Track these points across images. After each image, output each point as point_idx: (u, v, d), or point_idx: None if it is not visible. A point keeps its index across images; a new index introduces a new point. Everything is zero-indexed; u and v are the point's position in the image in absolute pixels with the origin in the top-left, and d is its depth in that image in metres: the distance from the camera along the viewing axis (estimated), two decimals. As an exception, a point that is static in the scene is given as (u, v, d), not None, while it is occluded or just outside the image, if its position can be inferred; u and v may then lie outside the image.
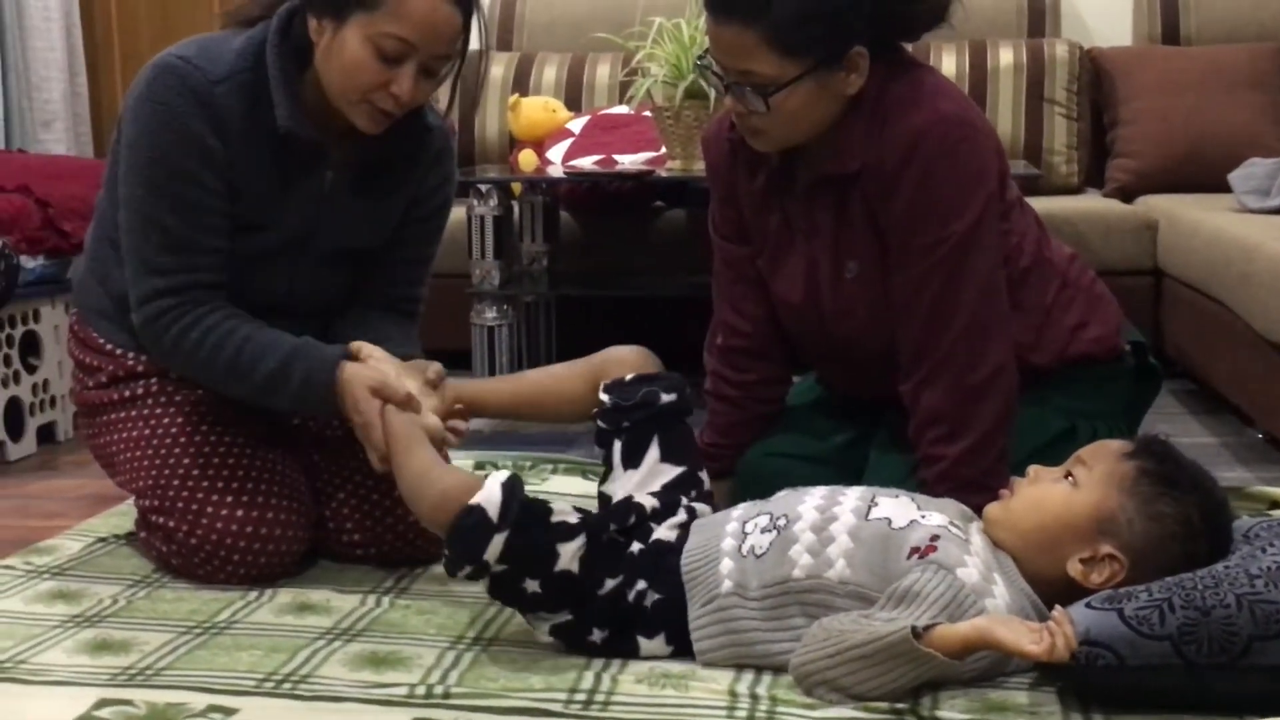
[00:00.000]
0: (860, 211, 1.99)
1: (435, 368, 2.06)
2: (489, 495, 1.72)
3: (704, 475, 1.93)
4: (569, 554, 1.72)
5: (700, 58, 2.03)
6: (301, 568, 2.14)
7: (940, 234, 1.93)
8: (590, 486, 2.31)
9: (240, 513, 2.07)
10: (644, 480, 1.89)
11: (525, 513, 1.72)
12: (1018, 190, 2.10)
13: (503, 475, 1.76)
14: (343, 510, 2.19)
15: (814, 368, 2.27)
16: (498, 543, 1.70)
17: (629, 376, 1.94)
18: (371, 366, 2.02)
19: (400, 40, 1.95)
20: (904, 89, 1.94)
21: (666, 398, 1.92)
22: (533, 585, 1.73)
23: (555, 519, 1.74)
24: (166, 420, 2.16)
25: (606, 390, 1.94)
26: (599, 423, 1.94)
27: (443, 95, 2.15)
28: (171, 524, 2.09)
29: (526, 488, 1.78)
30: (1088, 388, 2.08)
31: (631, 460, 1.91)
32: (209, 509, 2.07)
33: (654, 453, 1.90)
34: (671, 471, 1.90)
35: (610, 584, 1.74)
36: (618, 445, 1.92)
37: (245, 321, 2.05)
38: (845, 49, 1.91)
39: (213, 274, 2.05)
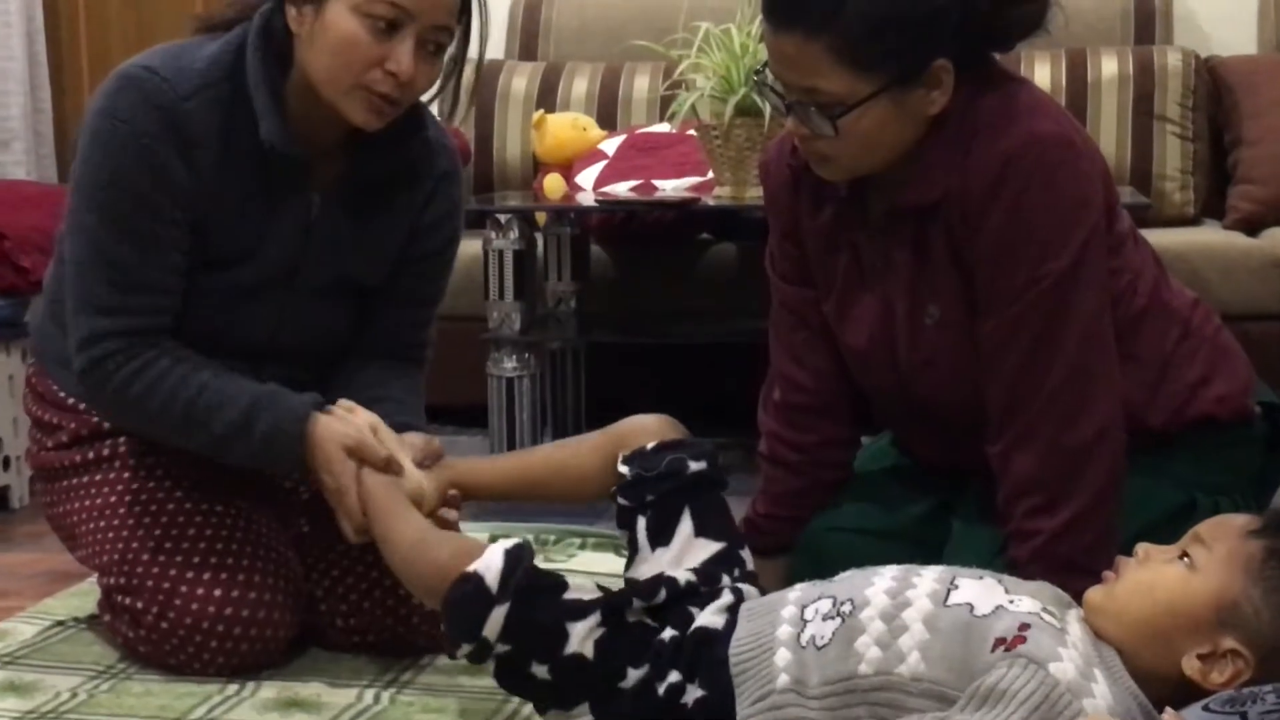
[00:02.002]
0: (943, 248, 1.98)
1: (426, 445, 2.08)
2: (489, 562, 1.74)
3: (746, 554, 1.93)
4: (580, 634, 1.73)
5: (757, 72, 2.03)
6: (289, 657, 2.14)
7: (1035, 273, 1.92)
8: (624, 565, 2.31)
9: (219, 592, 2.07)
10: (677, 559, 1.89)
11: (530, 583, 1.73)
12: (1130, 222, 2.09)
13: (508, 542, 1.77)
14: (337, 590, 2.19)
15: (889, 429, 2.26)
16: (498, 616, 1.71)
17: (650, 445, 1.96)
18: (347, 421, 2.04)
19: (393, 4, 1.97)
20: (993, 105, 1.94)
21: (695, 465, 1.93)
22: (541, 671, 1.73)
23: (568, 594, 1.75)
24: (135, 486, 2.17)
25: (626, 462, 1.95)
26: (619, 499, 1.95)
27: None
28: (140, 605, 2.10)
29: (550, 565, 1.78)
30: (1210, 455, 2.06)
31: (660, 537, 1.91)
32: (183, 588, 2.08)
33: (686, 527, 1.91)
34: (709, 548, 1.90)
35: (634, 675, 1.74)
36: (642, 522, 1.93)
37: (202, 367, 2.07)
38: (926, 63, 1.91)
39: (165, 316, 2.08)
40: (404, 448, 2.06)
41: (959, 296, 1.99)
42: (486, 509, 3.01)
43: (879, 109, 1.91)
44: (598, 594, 1.77)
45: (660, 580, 1.83)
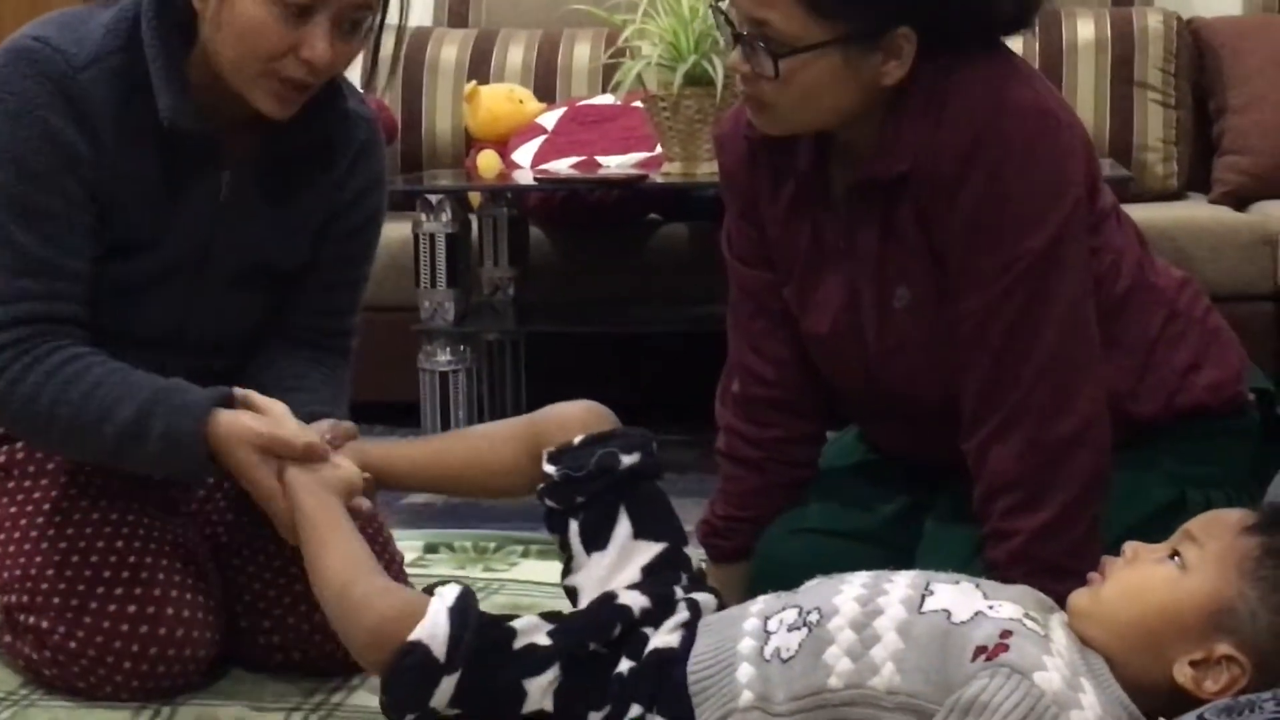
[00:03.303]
0: (913, 226, 1.99)
1: (334, 427, 2.06)
2: (433, 629, 1.73)
3: (689, 551, 1.93)
4: (539, 689, 1.73)
5: None
6: (209, 678, 2.13)
7: (1012, 253, 1.93)
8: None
9: (131, 609, 2.06)
10: (616, 564, 1.89)
11: (480, 645, 1.73)
12: (1113, 197, 2.10)
13: (450, 595, 1.76)
14: (259, 604, 2.18)
15: (855, 423, 2.27)
16: (447, 687, 1.71)
17: (577, 439, 1.94)
18: (254, 415, 2.02)
19: None
20: (968, 73, 1.95)
21: (628, 459, 1.92)
22: None
23: (519, 643, 1.75)
24: (38, 495, 2.16)
25: (552, 460, 1.93)
26: (547, 501, 1.94)
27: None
28: (44, 625, 2.08)
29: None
30: (1201, 446, 2.08)
31: (595, 542, 1.90)
32: (92, 605, 2.06)
33: (623, 528, 1.90)
34: (649, 549, 1.89)
35: (595, 718, 1.74)
36: (575, 526, 1.92)
37: (100, 363, 2.04)
38: (888, 25, 1.92)
39: (70, 304, 2.05)
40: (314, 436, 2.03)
41: (930, 279, 2.00)
42: (421, 516, 3.02)
43: (827, 61, 1.92)
44: (547, 630, 1.76)
45: (612, 611, 1.82)
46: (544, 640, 1.75)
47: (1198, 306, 2.12)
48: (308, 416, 2.07)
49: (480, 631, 1.74)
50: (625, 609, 1.82)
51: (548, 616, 1.80)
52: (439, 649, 1.71)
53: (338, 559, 1.88)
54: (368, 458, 2.06)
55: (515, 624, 1.77)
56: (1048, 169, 1.94)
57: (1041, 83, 2.01)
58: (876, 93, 1.96)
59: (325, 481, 1.97)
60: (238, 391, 2.05)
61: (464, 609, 1.74)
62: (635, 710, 1.74)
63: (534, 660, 1.73)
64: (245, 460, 1.98)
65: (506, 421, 2.07)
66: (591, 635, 1.79)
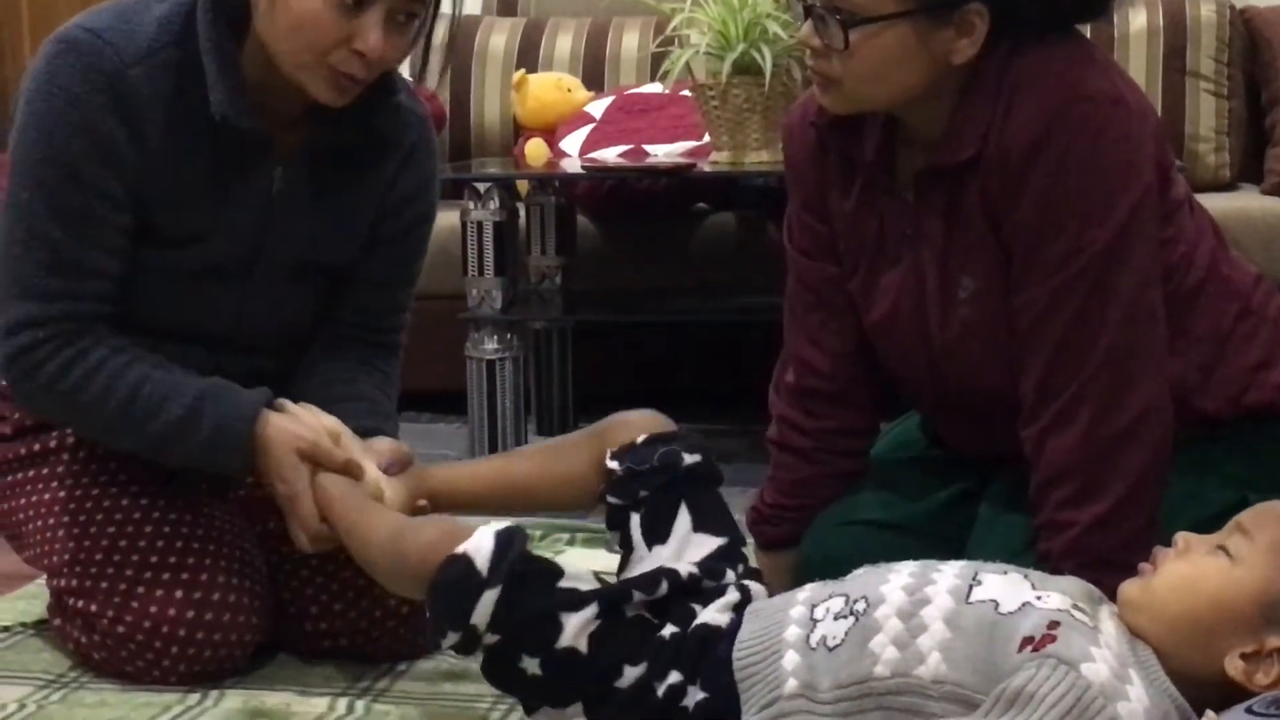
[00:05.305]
0: (979, 214, 1.98)
1: (394, 451, 2.08)
2: (479, 544, 1.76)
3: (748, 550, 1.93)
4: (576, 626, 1.74)
5: None
6: (255, 663, 2.14)
7: (1077, 243, 1.92)
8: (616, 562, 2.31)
9: (179, 594, 2.07)
10: (676, 556, 1.90)
11: (523, 568, 1.75)
12: (1186, 187, 2.07)
13: (500, 523, 1.78)
14: (306, 590, 2.19)
15: (921, 414, 2.26)
16: (487, 601, 1.73)
17: (640, 439, 1.97)
18: (300, 421, 2.05)
19: None
20: (1039, 58, 1.94)
21: (690, 458, 1.94)
22: (532, 665, 1.74)
23: (564, 583, 1.76)
24: (87, 480, 2.17)
25: (615, 457, 1.97)
26: (609, 498, 1.96)
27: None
28: (94, 609, 2.09)
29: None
30: (1267, 449, 2.05)
31: (657, 535, 1.92)
32: (140, 590, 2.08)
33: (684, 522, 1.92)
34: (709, 543, 1.91)
35: (631, 673, 1.74)
36: (636, 520, 1.93)
37: (142, 359, 2.07)
38: (960, 0, 1.91)
39: (103, 303, 2.06)
40: (368, 454, 2.07)
41: (996, 268, 1.99)
42: (462, 510, 3.02)
43: (897, 34, 1.91)
44: (595, 585, 1.78)
45: (661, 573, 1.84)
46: (587, 585, 1.78)
47: (1271, 304, 2.09)
48: (363, 432, 2.11)
49: (526, 558, 1.76)
50: (674, 572, 1.84)
51: (598, 574, 1.82)
52: (483, 563, 1.74)
53: (381, 520, 1.92)
54: (430, 482, 2.09)
55: (567, 568, 1.79)
56: (1117, 157, 1.92)
57: (1115, 69, 1.99)
58: (946, 71, 1.95)
59: (360, 487, 2.02)
60: (305, 405, 2.09)
61: (510, 536, 1.77)
62: (675, 677, 1.74)
63: (574, 597, 1.76)
64: (283, 460, 2.02)
65: (569, 435, 2.10)
66: (636, 587, 1.81)
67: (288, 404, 2.09)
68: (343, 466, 2.02)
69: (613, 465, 1.96)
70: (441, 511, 2.07)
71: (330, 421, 2.08)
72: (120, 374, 2.04)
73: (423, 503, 2.07)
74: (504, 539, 1.76)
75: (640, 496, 1.94)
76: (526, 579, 1.75)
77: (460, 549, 1.76)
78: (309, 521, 2.01)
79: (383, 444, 2.11)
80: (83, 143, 2.01)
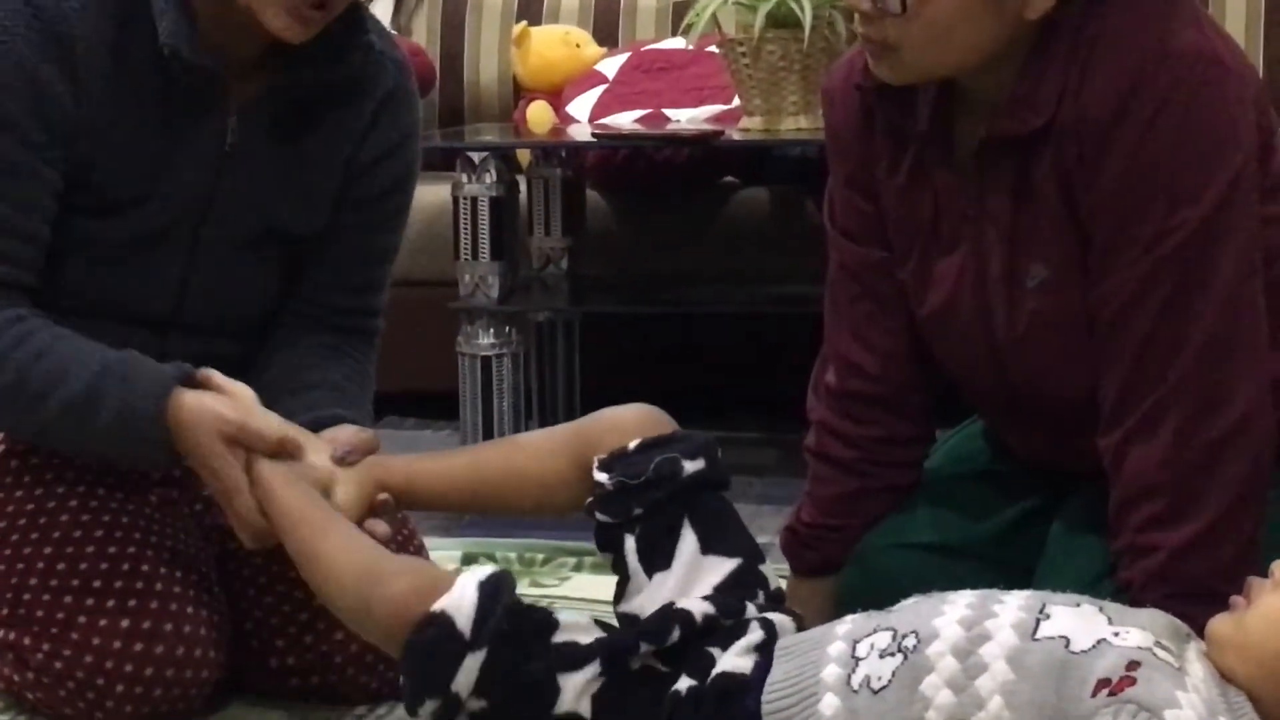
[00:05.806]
0: (1053, 191, 1.98)
1: (352, 437, 2.06)
2: (459, 600, 1.74)
3: (766, 569, 1.92)
4: (576, 688, 1.73)
5: None
6: (212, 705, 2.15)
7: (1166, 223, 1.92)
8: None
9: (125, 624, 2.07)
10: (683, 584, 1.88)
11: (512, 625, 1.74)
12: None
13: (483, 571, 1.77)
14: (271, 620, 2.20)
15: (986, 421, 2.27)
16: (471, 667, 1.72)
17: (632, 445, 1.95)
18: (220, 398, 2.02)
19: None
20: (1123, 8, 1.94)
21: (691, 466, 1.92)
22: None
23: (560, 636, 1.76)
24: (20, 494, 2.17)
25: (604, 467, 1.94)
26: (597, 514, 1.94)
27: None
28: (27, 642, 2.10)
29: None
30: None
31: (657, 560, 1.90)
32: (80, 619, 2.08)
33: (689, 543, 1.90)
34: (721, 566, 1.89)
35: None
36: (631, 543, 1.92)
37: (46, 329, 2.05)
38: None
39: (21, 270, 2.07)
40: (315, 442, 2.05)
41: (1071, 253, 1.99)
42: (457, 522, 3.03)
43: None
44: (597, 634, 1.77)
45: (671, 615, 1.82)
46: (587, 636, 1.77)
47: None
48: (327, 420, 2.09)
49: (514, 613, 1.75)
50: (685, 613, 1.82)
51: (599, 621, 1.81)
52: (464, 622, 1.73)
53: (342, 542, 1.90)
54: (390, 473, 2.06)
55: (562, 616, 1.78)
56: (1212, 126, 1.92)
57: (1210, 24, 1.99)
58: (1018, 29, 1.94)
59: (301, 474, 1.99)
60: (200, 371, 2.05)
61: (496, 586, 1.76)
62: (695, 740, 1.74)
63: (573, 653, 1.75)
64: (208, 448, 1.99)
65: (550, 429, 2.08)
66: (643, 636, 1.80)
67: (215, 377, 2.05)
68: (275, 447, 1.99)
69: (601, 477, 1.93)
70: (402, 508, 2.07)
71: (244, 390, 2.05)
72: (15, 347, 2.03)
73: (384, 496, 2.04)
74: (489, 591, 1.75)
75: (635, 514, 1.91)
76: (514, 636, 1.74)
77: (438, 606, 1.74)
78: (248, 519, 1.98)
79: (343, 431, 2.08)
80: (12, 84, 2.02)
